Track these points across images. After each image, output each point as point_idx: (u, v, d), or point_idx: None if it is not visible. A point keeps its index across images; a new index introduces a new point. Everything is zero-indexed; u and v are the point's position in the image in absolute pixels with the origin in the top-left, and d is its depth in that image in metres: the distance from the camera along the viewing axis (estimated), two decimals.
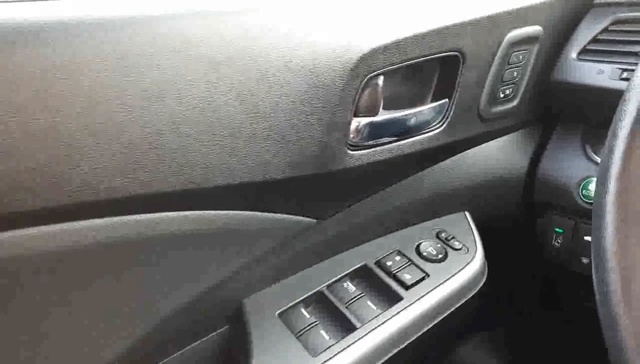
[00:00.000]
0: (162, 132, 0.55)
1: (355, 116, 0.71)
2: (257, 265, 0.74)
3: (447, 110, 0.81)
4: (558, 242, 0.93)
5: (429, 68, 0.78)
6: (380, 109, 0.73)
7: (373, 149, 0.73)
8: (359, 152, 0.72)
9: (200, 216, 0.64)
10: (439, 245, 0.83)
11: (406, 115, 0.76)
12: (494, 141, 0.93)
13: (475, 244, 0.84)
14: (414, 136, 0.78)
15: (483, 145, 0.92)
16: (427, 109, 0.78)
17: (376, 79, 0.70)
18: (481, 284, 0.82)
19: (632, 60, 0.81)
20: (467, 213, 0.91)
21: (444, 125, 0.81)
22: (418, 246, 0.83)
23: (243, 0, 0.64)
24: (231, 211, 0.66)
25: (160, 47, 0.55)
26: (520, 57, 0.85)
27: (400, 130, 0.76)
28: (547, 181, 0.91)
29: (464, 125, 0.84)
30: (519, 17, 0.81)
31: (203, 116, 0.58)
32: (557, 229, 0.93)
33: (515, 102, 0.89)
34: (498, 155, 0.93)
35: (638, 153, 0.46)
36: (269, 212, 0.70)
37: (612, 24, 0.85)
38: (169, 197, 0.58)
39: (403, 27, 0.70)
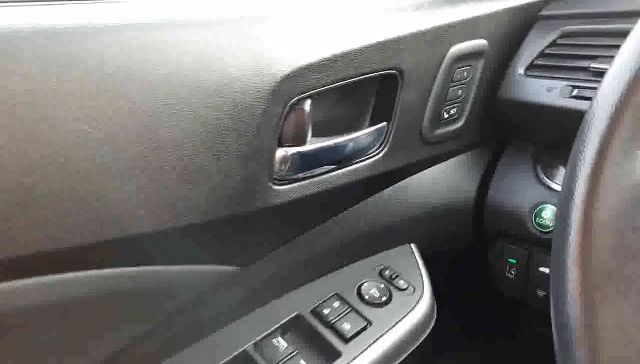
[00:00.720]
0: (40, 176, 0.43)
1: (280, 145, 0.61)
2: (173, 323, 0.62)
3: (386, 134, 0.72)
4: (512, 274, 0.86)
5: (365, 89, 0.69)
6: (309, 137, 0.63)
7: (302, 183, 0.63)
8: (286, 186, 0.62)
9: (98, 275, 0.52)
10: (382, 285, 0.74)
11: (340, 142, 0.67)
12: (439, 165, 0.85)
13: (423, 282, 0.76)
14: (350, 165, 0.69)
15: (427, 170, 0.84)
16: (363, 134, 0.69)
17: (302, 103, 0.60)
18: (431, 327, 0.73)
19: (582, 76, 0.75)
20: (413, 246, 0.83)
21: (384, 151, 0.72)
22: (359, 287, 0.74)
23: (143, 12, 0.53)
24: (136, 268, 0.55)
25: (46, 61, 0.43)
26: (465, 73, 0.78)
27: (334, 159, 0.67)
28: (497, 208, 0.84)
29: (406, 150, 0.76)
30: (462, 30, 0.74)
31: (93, 150, 0.46)
32: (510, 260, 0.85)
33: (460, 123, 0.81)
34: (444, 181, 0.85)
35: (602, 197, 0.38)
36: (182, 263, 0.59)
37: (560, 37, 0.79)
38: (44, 258, 0.46)
39: (332, 44, 0.60)
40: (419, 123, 0.76)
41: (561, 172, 0.81)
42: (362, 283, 0.74)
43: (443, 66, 0.74)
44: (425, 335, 0.72)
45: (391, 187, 0.80)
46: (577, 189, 0.39)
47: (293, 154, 0.61)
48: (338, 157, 0.67)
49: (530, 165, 0.84)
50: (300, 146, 0.62)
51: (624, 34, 0.80)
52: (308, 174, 0.64)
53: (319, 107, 0.65)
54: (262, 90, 0.55)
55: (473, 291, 0.93)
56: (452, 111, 0.80)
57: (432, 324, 0.74)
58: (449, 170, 0.86)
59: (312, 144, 0.63)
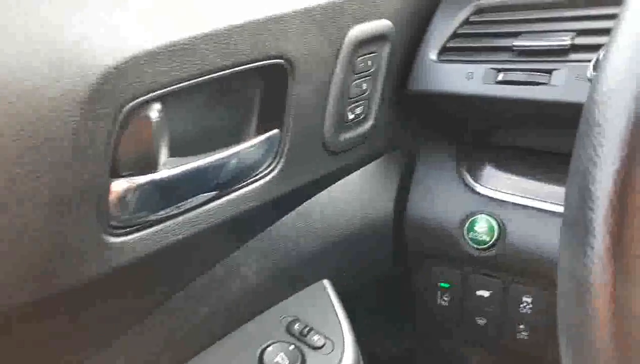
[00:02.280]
0: None
1: (117, 174, 0.40)
2: None
3: (279, 145, 0.54)
4: (445, 301, 0.71)
5: (245, 86, 0.51)
6: (164, 157, 0.43)
7: (159, 227, 0.43)
8: (133, 236, 0.42)
9: None
10: (291, 348, 0.55)
11: (215, 161, 0.48)
12: (346, 179, 0.69)
13: (342, 332, 0.59)
14: (233, 192, 0.50)
15: (333, 187, 0.67)
16: (249, 147, 0.51)
17: (146, 109, 0.40)
18: None
19: (506, 56, 0.62)
20: (326, 282, 0.66)
21: (278, 167, 0.55)
22: (262, 354, 0.55)
23: None
24: None
25: None
26: (369, 62, 0.62)
27: (208, 186, 0.48)
28: (420, 224, 0.69)
29: (306, 163, 0.58)
30: (359, 7, 0.58)
31: None
32: (441, 284, 0.71)
33: (368, 125, 0.66)
34: (354, 198, 0.69)
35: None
36: None
37: (474, 13, 0.66)
38: None
39: (185, 24, 0.41)
40: (319, 128, 0.59)
41: (490, 173, 0.68)
42: (266, 348, 0.55)
43: (342, 54, 0.58)
44: None
45: (291, 214, 0.62)
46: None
47: (140, 186, 0.41)
48: (214, 183, 0.48)
49: (453, 168, 0.70)
50: (151, 172, 0.42)
51: (546, 5, 0.70)
52: (169, 212, 0.44)
53: (177, 115, 0.45)
54: (73, 97, 0.35)
55: (402, 325, 0.78)
56: (357, 110, 0.64)
57: None
58: (359, 184, 0.70)
59: (171, 168, 0.44)
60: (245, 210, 0.53)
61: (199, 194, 0.48)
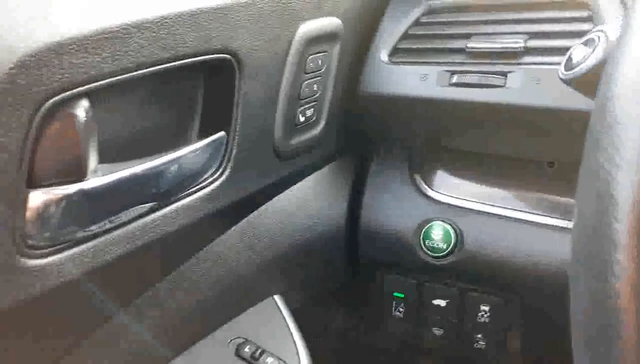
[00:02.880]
0: None
1: (35, 184, 0.34)
2: None
3: (226, 149, 0.49)
4: (400, 312, 0.68)
5: (187, 83, 0.46)
6: (94, 164, 0.37)
7: (87, 246, 0.37)
8: (55, 257, 0.35)
9: None
10: None
11: (153, 168, 0.42)
12: (296, 186, 0.64)
13: (297, 352, 0.54)
14: (174, 202, 0.44)
15: (282, 195, 0.62)
16: (192, 152, 0.46)
17: (71, 106, 0.34)
18: None
19: (461, 58, 0.60)
20: (277, 298, 0.61)
21: (225, 174, 0.49)
22: None
23: None
24: None
25: None
26: (319, 62, 0.59)
27: (146, 196, 0.42)
28: (374, 232, 0.66)
29: (256, 169, 0.54)
30: (311, 3, 0.54)
31: None
32: (396, 294, 0.68)
33: (319, 128, 0.62)
34: (304, 206, 0.64)
35: None
36: None
37: (425, 14, 0.64)
38: None
39: (119, 9, 0.36)
40: (269, 131, 0.54)
41: (445, 178, 0.66)
42: None
43: (292, 51, 0.54)
44: None
45: (239, 224, 0.56)
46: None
47: (65, 198, 0.35)
48: (152, 193, 0.42)
49: (406, 174, 0.67)
50: (78, 180, 0.35)
51: (498, 8, 0.69)
52: (100, 228, 0.38)
53: (108, 114, 0.39)
54: None
55: (359, 339, 0.74)
56: (308, 113, 0.60)
57: None
58: (309, 191, 0.66)
59: (102, 176, 0.37)
60: (188, 222, 0.47)
61: (135, 206, 0.41)
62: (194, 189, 0.47)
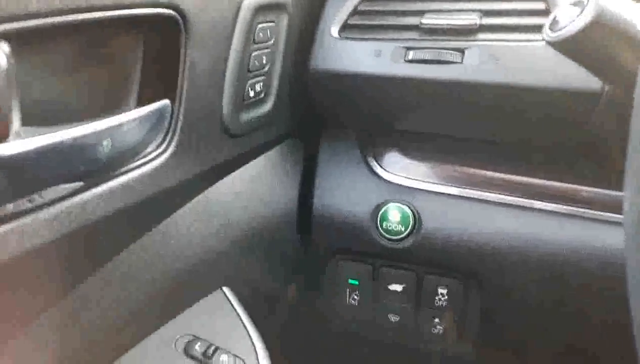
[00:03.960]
0: None
1: None
2: None
3: (171, 121, 0.43)
4: (354, 300, 0.65)
5: (126, 39, 0.40)
6: (17, 126, 0.30)
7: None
8: None
9: None
10: None
11: (84, 136, 0.35)
12: (245, 168, 0.59)
13: (254, 347, 0.49)
14: (112, 180, 0.38)
15: (230, 177, 0.57)
16: (131, 121, 0.39)
17: None
18: None
19: (415, 35, 0.58)
20: (226, 290, 0.55)
21: (170, 150, 0.44)
22: None
23: None
24: None
25: None
26: (268, 32, 0.54)
27: (76, 171, 0.35)
28: (327, 216, 0.62)
29: (203, 147, 0.48)
30: None
31: None
32: (350, 281, 0.65)
33: (269, 105, 0.57)
34: (254, 189, 0.59)
35: None
36: None
37: None
38: None
39: None
40: (217, 104, 0.49)
41: (399, 160, 0.64)
42: None
43: (241, 17, 0.49)
44: None
45: (183, 209, 0.50)
46: None
47: None
48: (83, 167, 0.36)
49: (358, 156, 0.64)
50: None
51: None
52: (18, 208, 0.31)
53: (33, 66, 0.32)
54: None
55: (312, 329, 0.70)
56: (257, 87, 0.55)
57: None
58: (259, 175, 0.61)
59: (25, 141, 0.31)
60: (127, 205, 0.41)
61: (62, 182, 0.35)
62: (133, 165, 0.41)
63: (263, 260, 0.61)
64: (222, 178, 0.55)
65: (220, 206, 0.54)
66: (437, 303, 0.62)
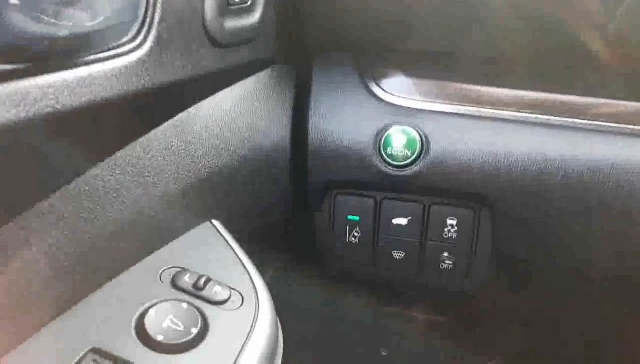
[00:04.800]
0: None
1: None
2: None
3: (147, 10, 0.36)
4: (355, 237, 0.60)
5: None
6: None
7: None
8: None
9: None
10: (184, 306, 0.38)
11: (46, 8, 0.29)
12: (231, 89, 0.52)
13: (250, 278, 0.43)
14: (78, 65, 0.31)
15: (217, 98, 0.50)
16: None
17: None
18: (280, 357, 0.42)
19: None
20: (216, 223, 0.49)
21: (147, 44, 0.37)
22: (141, 319, 0.36)
23: None
24: None
25: None
26: None
27: (21, 40, 0.29)
28: (324, 146, 0.56)
29: (185, 49, 0.41)
30: None
31: None
32: (350, 217, 0.59)
33: (256, 16, 0.51)
34: (243, 114, 0.53)
35: None
36: None
37: None
38: None
39: None
40: (199, 5, 0.42)
41: (402, 80, 0.58)
42: (146, 310, 0.37)
43: None
44: None
45: (164, 127, 0.44)
46: None
47: None
48: (36, 37, 0.29)
49: (356, 79, 0.58)
50: None
51: None
52: None
53: None
54: None
55: (308, 272, 0.64)
56: None
57: (281, 349, 0.42)
58: (247, 96, 0.54)
59: None
60: (97, 99, 0.34)
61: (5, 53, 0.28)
62: (104, 55, 0.34)
63: (255, 193, 0.54)
64: (206, 96, 0.48)
65: (205, 127, 0.48)
66: (445, 235, 0.57)
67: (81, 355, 0.33)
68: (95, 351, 0.34)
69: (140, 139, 0.42)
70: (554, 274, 0.58)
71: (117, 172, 0.39)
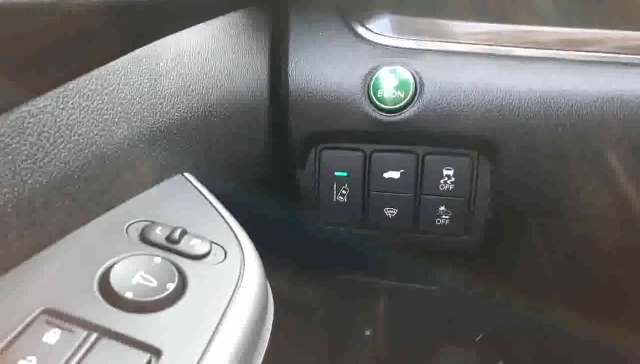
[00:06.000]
0: None
1: None
2: None
3: None
4: (343, 195, 0.54)
5: None
6: None
7: None
8: None
9: None
10: (157, 260, 0.32)
11: None
12: (205, 25, 0.46)
13: (232, 230, 0.37)
14: None
15: (185, 36, 0.44)
16: None
17: None
18: (271, 314, 0.36)
19: None
20: (188, 176, 0.43)
21: None
22: (105, 276, 0.30)
23: None
24: None
25: None
26: None
27: None
28: (304, 93, 0.51)
29: None
30: None
31: None
32: (337, 174, 0.54)
33: None
34: (217, 52, 0.47)
35: None
36: None
37: None
38: None
39: None
40: None
41: (389, 19, 0.53)
42: (111, 266, 0.31)
43: None
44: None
45: (127, 59, 0.37)
46: None
47: None
48: None
49: (338, 20, 0.53)
50: None
51: None
52: None
53: None
54: None
55: (292, 234, 0.59)
56: None
57: (272, 308, 0.37)
58: (220, 36, 0.48)
59: None
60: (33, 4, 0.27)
61: None
62: None
63: (230, 147, 0.48)
64: (171, 29, 0.42)
65: (173, 66, 0.42)
66: (441, 187, 0.52)
67: (32, 317, 0.27)
68: (48, 311, 0.28)
69: (95, 72, 0.35)
70: (559, 227, 0.54)
71: (70, 105, 0.33)
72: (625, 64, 0.47)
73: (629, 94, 0.46)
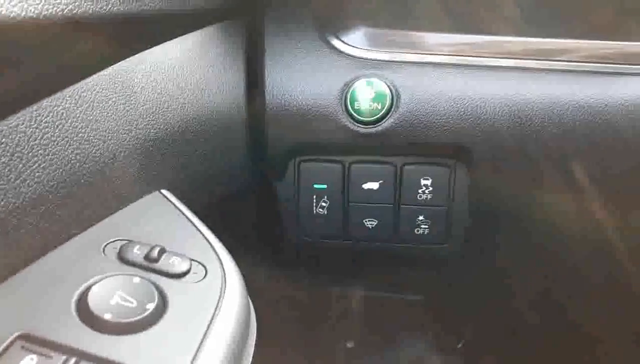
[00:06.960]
0: None
1: None
2: None
3: None
4: (323, 207, 0.54)
5: None
6: None
7: None
8: None
9: None
10: (136, 280, 0.32)
11: None
12: (181, 39, 0.46)
13: (213, 248, 0.37)
14: None
15: (159, 52, 0.44)
16: None
17: None
18: (254, 331, 0.36)
19: None
20: (166, 192, 0.42)
21: None
22: (83, 298, 0.30)
23: None
24: None
25: None
26: None
27: None
28: (282, 104, 0.51)
29: None
30: None
31: None
32: (316, 186, 0.54)
33: None
34: (192, 66, 0.46)
35: None
36: None
37: None
38: None
39: None
40: None
41: (364, 32, 0.53)
42: (89, 288, 0.30)
43: None
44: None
45: (100, 77, 0.37)
46: None
47: None
48: None
49: (314, 32, 0.53)
50: None
51: None
52: None
53: None
54: None
55: (272, 249, 0.58)
56: None
57: (255, 325, 0.37)
58: (196, 50, 0.48)
59: None
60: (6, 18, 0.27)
61: None
62: None
63: (208, 162, 0.48)
64: (146, 45, 0.42)
65: (148, 82, 0.41)
66: (420, 197, 0.53)
67: (7, 343, 0.26)
68: (24, 337, 0.27)
69: (69, 90, 0.35)
70: (534, 230, 0.55)
71: (43, 124, 0.32)
72: (593, 73, 0.48)
73: (596, 102, 0.47)
